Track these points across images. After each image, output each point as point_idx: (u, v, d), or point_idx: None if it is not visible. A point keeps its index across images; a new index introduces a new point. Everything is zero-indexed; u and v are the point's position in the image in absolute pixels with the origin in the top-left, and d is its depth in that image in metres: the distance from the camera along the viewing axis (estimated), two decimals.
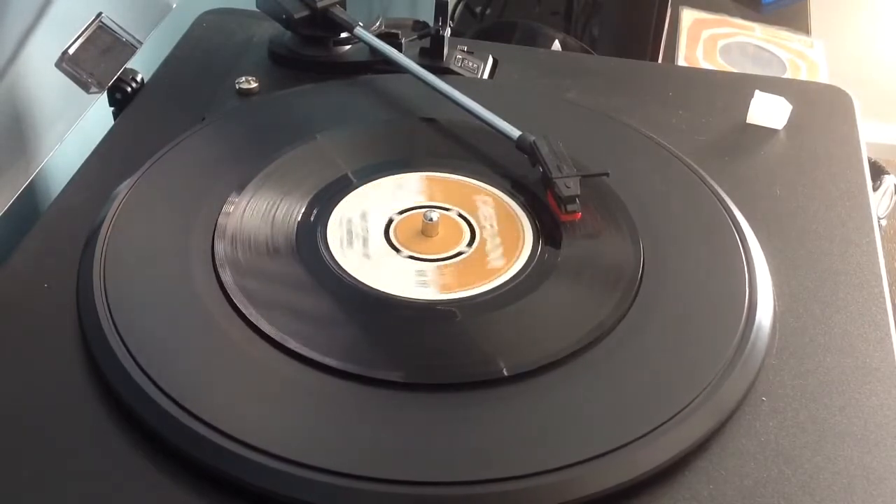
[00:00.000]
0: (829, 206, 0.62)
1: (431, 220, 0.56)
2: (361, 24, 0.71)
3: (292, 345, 0.48)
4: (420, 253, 0.55)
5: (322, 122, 0.65)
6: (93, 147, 0.65)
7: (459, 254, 0.56)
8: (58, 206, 0.60)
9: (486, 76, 0.74)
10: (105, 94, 0.70)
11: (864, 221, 0.61)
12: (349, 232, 0.55)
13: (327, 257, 0.54)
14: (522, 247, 0.56)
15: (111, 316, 0.49)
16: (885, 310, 0.55)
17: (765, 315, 0.52)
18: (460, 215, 0.58)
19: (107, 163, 0.63)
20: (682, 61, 1.30)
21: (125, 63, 0.70)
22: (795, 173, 0.65)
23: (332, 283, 0.53)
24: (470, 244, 0.56)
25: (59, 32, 0.66)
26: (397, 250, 0.56)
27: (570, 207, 0.56)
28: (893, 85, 2.02)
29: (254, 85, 0.69)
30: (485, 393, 0.47)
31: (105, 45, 0.69)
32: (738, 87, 0.73)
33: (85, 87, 0.67)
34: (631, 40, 1.22)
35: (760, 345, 0.51)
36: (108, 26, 0.69)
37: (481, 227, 0.57)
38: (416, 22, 0.75)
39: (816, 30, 1.47)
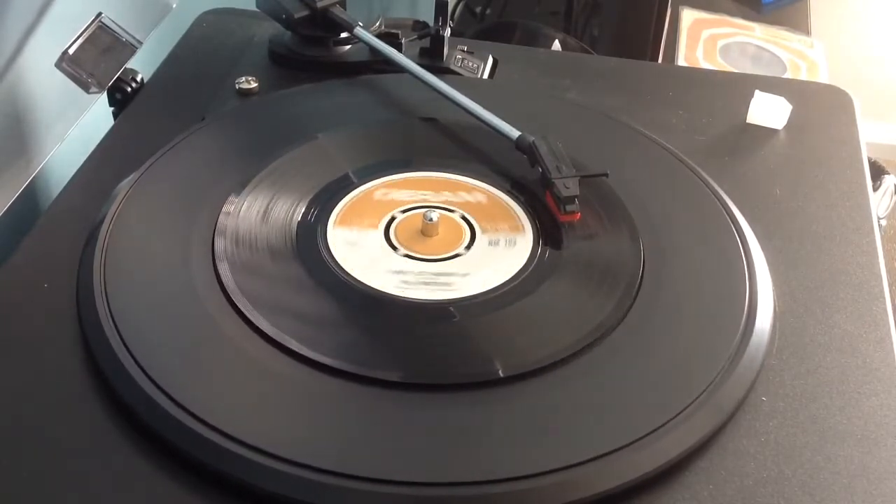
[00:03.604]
0: (829, 206, 0.62)
1: (431, 220, 0.56)
2: (361, 24, 0.71)
3: (291, 344, 0.48)
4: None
5: (322, 122, 0.65)
6: (93, 147, 0.65)
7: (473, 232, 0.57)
8: (58, 206, 0.60)
9: (486, 76, 0.74)
10: (105, 94, 0.70)
11: (864, 221, 0.61)
12: (425, 283, 0.53)
13: (327, 257, 0.54)
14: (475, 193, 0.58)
15: (111, 316, 0.49)
16: (885, 310, 0.55)
17: (765, 315, 0.52)
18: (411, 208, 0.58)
19: (107, 163, 0.63)
20: (682, 61, 1.30)
21: (125, 63, 0.70)
22: (795, 173, 0.65)
23: (332, 283, 0.53)
24: (466, 223, 0.57)
25: (59, 32, 0.66)
26: (457, 253, 0.55)
27: (568, 208, 0.56)
28: (893, 85, 2.02)
29: (254, 85, 0.69)
30: (484, 393, 0.47)
31: (105, 45, 0.69)
32: (738, 87, 0.73)
33: (85, 87, 0.67)
34: (631, 40, 1.22)
35: (760, 345, 0.51)
36: (108, 26, 0.69)
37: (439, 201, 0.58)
38: (416, 22, 0.75)
39: (816, 30, 1.48)
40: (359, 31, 0.70)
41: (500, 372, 0.47)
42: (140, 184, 0.58)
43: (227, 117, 0.66)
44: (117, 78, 0.70)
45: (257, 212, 0.57)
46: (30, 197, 0.72)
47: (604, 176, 0.59)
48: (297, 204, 0.58)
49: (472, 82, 0.71)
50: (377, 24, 0.73)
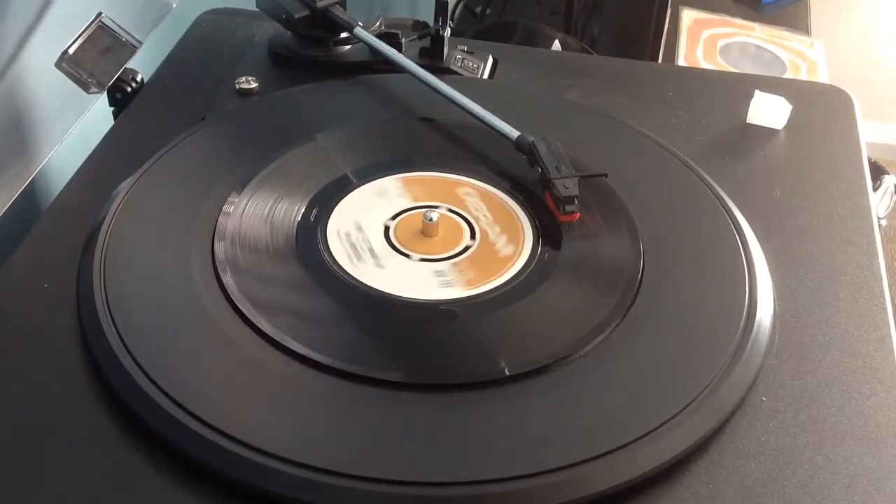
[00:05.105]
0: (829, 206, 0.62)
1: (431, 219, 0.56)
2: (361, 24, 0.71)
3: (292, 344, 0.48)
4: (426, 253, 0.55)
5: (322, 122, 0.65)
6: (93, 147, 0.65)
7: (467, 248, 0.56)
8: (58, 206, 0.60)
9: (486, 76, 0.74)
10: (105, 94, 0.70)
11: (864, 221, 0.61)
12: (352, 246, 0.55)
13: (327, 257, 0.54)
14: (523, 231, 0.56)
15: (111, 316, 0.49)
16: (885, 310, 0.55)
17: (765, 315, 0.52)
18: (451, 210, 0.58)
19: (107, 163, 0.63)
20: (682, 61, 1.30)
21: (125, 63, 0.70)
22: (795, 173, 0.65)
23: (332, 283, 0.53)
24: (472, 237, 0.56)
25: (59, 32, 0.66)
26: (407, 255, 0.55)
27: (568, 208, 0.56)
28: (893, 85, 2.02)
29: (254, 85, 0.69)
30: (485, 393, 0.47)
31: (105, 45, 0.69)
32: (738, 87, 0.73)
33: (85, 87, 0.67)
34: (631, 40, 1.22)
35: (760, 345, 0.51)
36: (108, 26, 0.69)
37: (476, 219, 0.57)
38: (416, 22, 0.75)
39: (816, 30, 1.48)
40: (359, 31, 0.70)
41: (506, 371, 0.47)
42: (140, 184, 0.58)
43: (227, 117, 0.66)
44: (117, 78, 0.70)
45: (257, 212, 0.57)
46: (30, 197, 0.72)
47: (603, 176, 0.59)
48: (297, 204, 0.58)
49: (472, 82, 0.71)
50: (377, 24, 0.73)
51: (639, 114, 0.69)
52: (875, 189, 1.45)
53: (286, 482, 0.42)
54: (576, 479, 0.43)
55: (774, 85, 0.73)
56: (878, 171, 1.48)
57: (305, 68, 0.72)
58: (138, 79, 0.72)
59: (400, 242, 0.56)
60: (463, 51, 0.74)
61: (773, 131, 0.69)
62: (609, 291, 0.53)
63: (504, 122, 0.62)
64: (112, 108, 0.73)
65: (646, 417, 0.45)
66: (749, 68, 1.30)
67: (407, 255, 0.55)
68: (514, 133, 0.61)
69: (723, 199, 0.60)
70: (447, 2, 0.71)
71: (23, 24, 0.62)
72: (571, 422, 0.46)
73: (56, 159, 0.67)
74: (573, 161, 0.59)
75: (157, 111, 0.69)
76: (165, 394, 0.45)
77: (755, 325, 0.51)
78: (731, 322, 0.51)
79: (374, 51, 0.70)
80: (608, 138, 0.66)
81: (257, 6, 0.74)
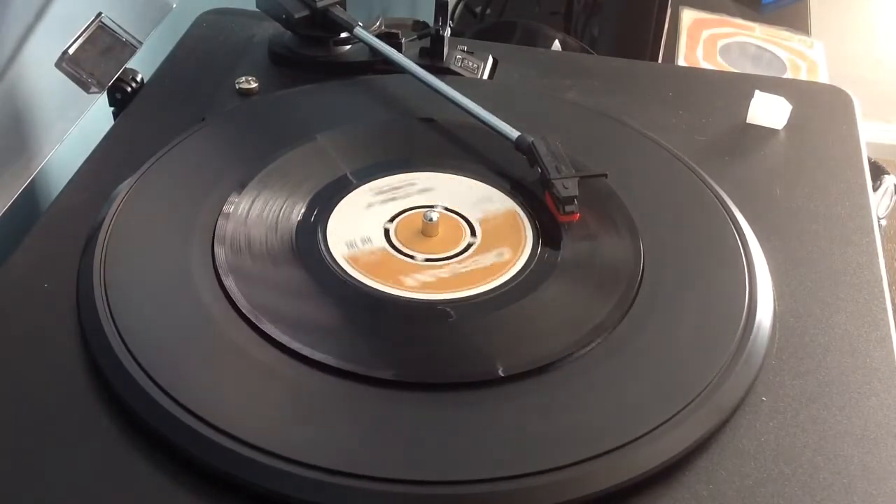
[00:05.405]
0: (829, 206, 0.62)
1: (431, 220, 0.56)
2: (361, 24, 0.71)
3: (291, 344, 0.48)
4: (400, 241, 0.56)
5: (322, 122, 0.65)
6: (93, 147, 0.65)
7: (412, 258, 0.55)
8: (58, 206, 0.60)
9: (485, 76, 0.74)
10: (105, 94, 0.70)
11: (864, 221, 0.61)
12: (394, 188, 0.59)
13: (327, 257, 0.54)
14: (455, 290, 0.53)
15: (111, 316, 0.49)
16: (885, 310, 0.55)
17: (765, 315, 0.52)
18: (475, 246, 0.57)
19: (107, 163, 0.63)
20: (682, 61, 1.30)
21: (125, 63, 0.70)
22: (795, 173, 0.65)
23: (331, 283, 0.53)
24: (441, 261, 0.55)
25: (59, 32, 0.66)
26: (392, 220, 0.57)
27: (567, 208, 0.56)
28: (893, 85, 2.02)
29: (254, 85, 0.69)
30: (484, 393, 0.47)
31: (105, 45, 0.69)
32: (738, 87, 0.73)
33: (85, 87, 0.67)
34: (631, 40, 1.22)
35: (760, 345, 0.51)
36: (108, 26, 0.69)
37: (473, 257, 0.55)
38: (416, 22, 0.76)
39: (816, 30, 1.48)
40: (359, 31, 0.70)
41: (501, 371, 0.47)
42: (140, 184, 0.58)
43: (227, 117, 0.66)
44: (117, 78, 0.70)
45: (257, 212, 0.57)
46: (30, 197, 0.72)
47: (603, 176, 0.59)
48: (297, 204, 0.58)
49: (471, 82, 0.71)
50: (377, 24, 0.73)
51: (639, 114, 0.69)
52: (875, 189, 1.45)
53: (284, 480, 0.42)
54: (576, 478, 0.43)
55: (774, 85, 0.73)
56: (878, 171, 1.48)
57: (305, 68, 0.72)
58: (138, 79, 0.72)
59: (398, 226, 0.57)
60: (463, 51, 0.74)
61: (773, 131, 0.69)
62: (609, 291, 0.53)
63: (504, 122, 0.62)
64: (112, 108, 0.73)
65: (646, 417, 0.45)
66: (749, 68, 1.30)
67: (392, 220, 0.57)
68: (513, 133, 0.61)
69: (723, 199, 0.60)
70: (447, 2, 0.71)
71: (23, 24, 0.62)
72: (571, 421, 0.46)
73: (56, 159, 0.67)
74: (573, 161, 0.59)
75: (157, 111, 0.69)
76: (165, 393, 0.45)
77: (755, 325, 0.51)
78: (731, 322, 0.51)
79: (374, 51, 0.70)
80: (608, 138, 0.65)
81: (257, 6, 0.74)
